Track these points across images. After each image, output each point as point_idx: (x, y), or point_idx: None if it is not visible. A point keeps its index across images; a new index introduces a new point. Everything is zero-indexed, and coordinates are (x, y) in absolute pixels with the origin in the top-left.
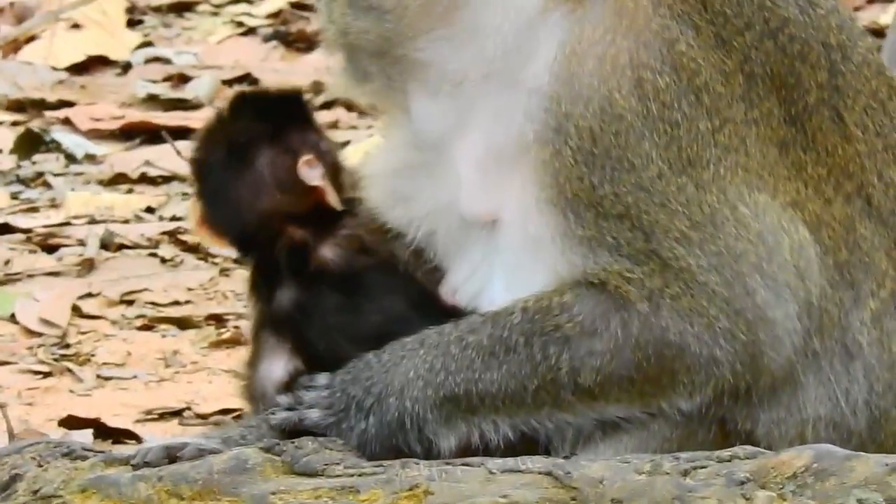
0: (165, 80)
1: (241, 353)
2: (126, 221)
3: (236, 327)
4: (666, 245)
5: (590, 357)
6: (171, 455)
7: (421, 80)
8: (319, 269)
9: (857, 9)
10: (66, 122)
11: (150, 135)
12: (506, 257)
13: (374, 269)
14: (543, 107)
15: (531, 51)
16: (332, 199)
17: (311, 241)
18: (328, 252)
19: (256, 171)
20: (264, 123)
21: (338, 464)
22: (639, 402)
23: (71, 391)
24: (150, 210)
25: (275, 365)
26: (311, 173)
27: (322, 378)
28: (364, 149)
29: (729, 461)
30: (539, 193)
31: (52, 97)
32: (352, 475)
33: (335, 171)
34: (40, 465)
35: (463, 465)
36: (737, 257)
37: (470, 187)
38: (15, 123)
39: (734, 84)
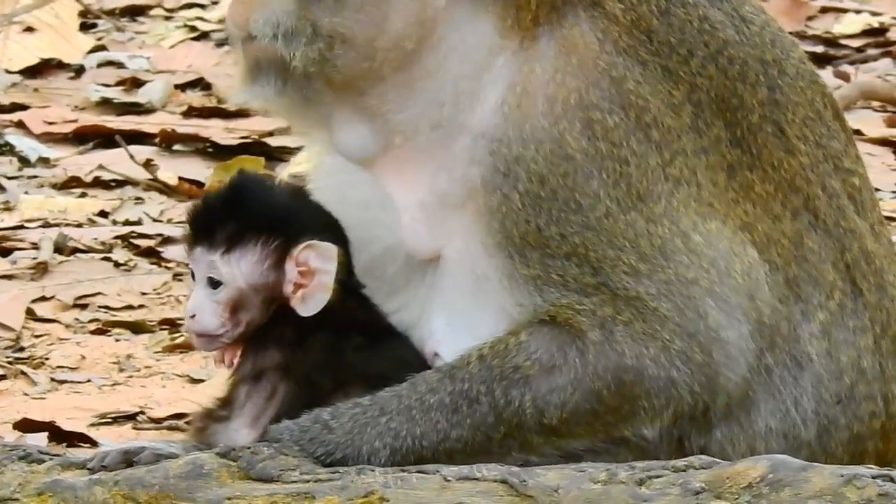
0: (118, 84)
1: (195, 358)
2: (80, 225)
3: None
4: (615, 278)
5: (552, 394)
6: (128, 459)
7: (365, 117)
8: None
9: (810, 18)
10: (20, 125)
11: (104, 139)
12: (449, 296)
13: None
14: (491, 150)
15: (478, 94)
16: None
17: None
18: None
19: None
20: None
21: (293, 470)
22: (603, 433)
23: (25, 394)
24: (103, 214)
25: (246, 426)
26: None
27: (283, 431)
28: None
29: (684, 471)
30: (485, 237)
31: (4, 100)
32: (307, 481)
33: None
34: None
35: (418, 472)
36: (687, 284)
37: (412, 227)
38: None
39: (683, 115)
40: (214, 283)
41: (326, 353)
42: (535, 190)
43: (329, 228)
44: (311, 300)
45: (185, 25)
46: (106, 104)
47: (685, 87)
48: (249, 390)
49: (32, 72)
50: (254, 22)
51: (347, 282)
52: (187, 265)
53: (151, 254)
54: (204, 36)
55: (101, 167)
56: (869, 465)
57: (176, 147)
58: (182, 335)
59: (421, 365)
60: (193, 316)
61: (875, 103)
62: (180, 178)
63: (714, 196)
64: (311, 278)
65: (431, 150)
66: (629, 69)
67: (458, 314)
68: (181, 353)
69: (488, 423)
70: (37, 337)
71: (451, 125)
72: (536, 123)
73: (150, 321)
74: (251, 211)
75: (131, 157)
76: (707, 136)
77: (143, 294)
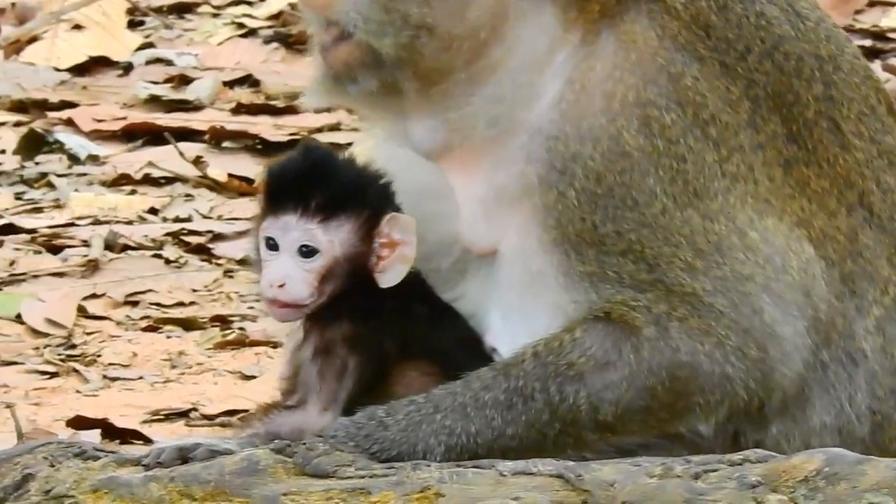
0: (167, 81)
1: (246, 355)
2: (129, 222)
3: (241, 329)
4: (670, 274)
5: (606, 390)
6: (183, 456)
7: (434, 111)
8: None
9: (857, 12)
10: (69, 123)
11: (153, 136)
12: (504, 291)
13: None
14: (547, 147)
15: (537, 90)
16: None
17: None
18: None
19: None
20: None
21: (349, 465)
22: (657, 430)
23: (77, 392)
24: (153, 211)
25: (322, 406)
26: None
27: (339, 428)
28: (362, 153)
29: (740, 464)
30: (540, 233)
31: (54, 98)
32: (363, 477)
33: None
34: (52, 465)
35: (474, 467)
36: (743, 280)
37: (471, 221)
38: (18, 124)
39: (740, 111)
40: (308, 252)
41: (398, 322)
42: (591, 187)
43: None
44: (391, 271)
45: (233, 22)
46: (154, 101)
47: (742, 83)
48: (321, 368)
49: (81, 70)
50: (339, 11)
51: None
52: (238, 262)
53: (202, 251)
54: (252, 33)
55: (150, 164)
56: None
57: (225, 144)
58: (233, 332)
59: (479, 343)
60: (282, 285)
61: None
62: (230, 175)
63: (770, 192)
64: (393, 250)
65: (489, 146)
66: (687, 65)
67: (513, 310)
68: (233, 349)
69: (543, 420)
70: (88, 334)
71: (509, 121)
72: (594, 121)
73: (202, 318)
74: (345, 181)
75: (181, 154)
76: (764, 132)
77: (194, 291)
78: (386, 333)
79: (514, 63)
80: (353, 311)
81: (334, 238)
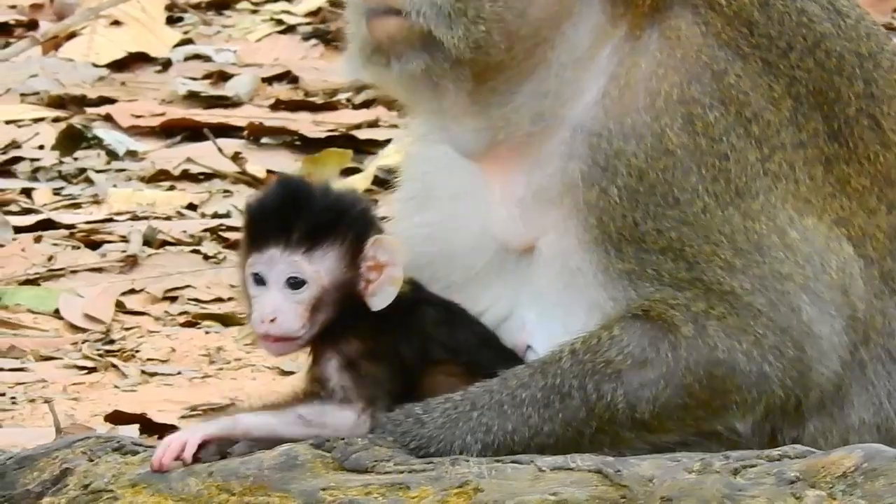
0: (205, 77)
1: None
2: (168, 218)
3: None
4: (709, 272)
5: (643, 388)
6: (222, 450)
7: (478, 108)
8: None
9: None
10: (108, 118)
11: (191, 132)
12: (542, 288)
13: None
14: (590, 144)
15: (581, 85)
16: None
17: None
18: None
19: None
20: None
21: (388, 460)
22: (694, 427)
23: (116, 387)
24: (192, 207)
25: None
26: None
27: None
28: (401, 149)
29: (779, 460)
30: (580, 231)
31: (92, 94)
32: (402, 472)
33: None
34: (91, 460)
35: (513, 462)
36: (782, 279)
37: (509, 218)
38: (56, 120)
39: (783, 109)
40: (296, 284)
41: (407, 331)
42: (633, 185)
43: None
44: (381, 293)
45: (272, 19)
46: (193, 97)
47: (784, 80)
48: (354, 378)
49: (119, 66)
50: None
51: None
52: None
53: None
54: (290, 29)
55: (189, 160)
56: None
57: (264, 140)
58: None
59: (497, 340)
60: (273, 320)
61: None
62: (268, 171)
63: (811, 191)
64: (380, 273)
65: (531, 142)
66: (730, 63)
67: (550, 307)
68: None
69: (580, 417)
70: (127, 330)
71: (552, 117)
72: (638, 118)
73: (240, 313)
74: (324, 209)
75: (219, 150)
76: (805, 130)
77: (233, 286)
78: (400, 342)
79: (560, 58)
80: (358, 332)
81: (320, 267)
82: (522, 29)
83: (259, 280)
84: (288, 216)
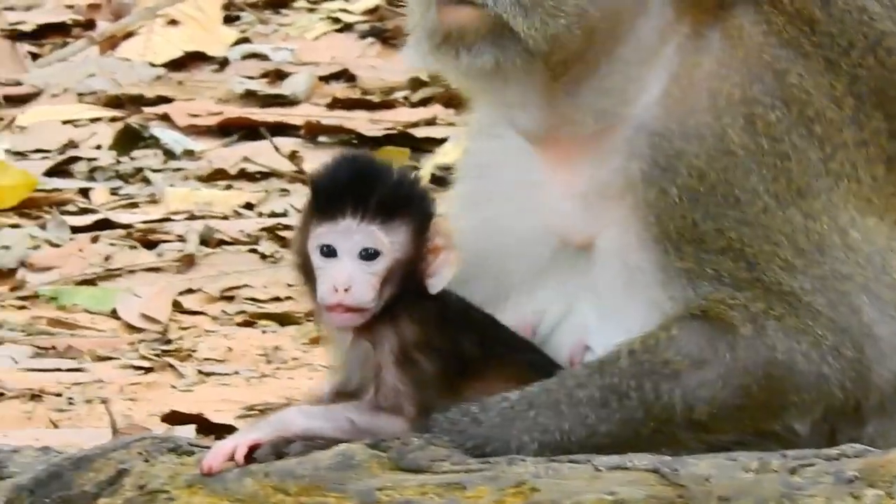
0: (262, 76)
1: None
2: (225, 217)
3: None
4: (769, 273)
5: (701, 388)
6: (278, 450)
7: (545, 100)
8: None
9: None
10: (165, 118)
11: (248, 131)
12: (600, 286)
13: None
14: (651, 143)
15: (644, 83)
16: None
17: None
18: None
19: None
20: None
21: (444, 460)
22: (751, 428)
23: (172, 387)
24: (248, 206)
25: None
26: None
27: (432, 425)
28: (459, 146)
29: (837, 459)
30: (640, 229)
31: (149, 93)
32: (458, 472)
33: None
34: (147, 461)
35: (569, 462)
36: (842, 279)
37: (569, 213)
38: (113, 120)
39: (845, 107)
40: (370, 255)
41: (465, 321)
42: (694, 185)
43: None
44: (439, 276)
45: (329, 17)
46: (250, 96)
47: (846, 78)
48: (401, 376)
49: (176, 65)
50: None
51: None
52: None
53: None
54: (347, 28)
55: (246, 159)
56: None
57: (321, 139)
58: None
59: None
60: (347, 289)
61: None
62: None
63: (873, 190)
64: (437, 255)
65: (594, 139)
66: (792, 62)
67: (609, 306)
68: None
69: (637, 418)
70: (184, 329)
71: (615, 115)
72: (699, 118)
73: (297, 313)
74: (396, 183)
75: (276, 149)
76: (867, 129)
77: (290, 286)
78: (460, 331)
79: (626, 55)
80: (416, 315)
81: (395, 239)
82: (602, 23)
83: (329, 252)
84: (363, 187)
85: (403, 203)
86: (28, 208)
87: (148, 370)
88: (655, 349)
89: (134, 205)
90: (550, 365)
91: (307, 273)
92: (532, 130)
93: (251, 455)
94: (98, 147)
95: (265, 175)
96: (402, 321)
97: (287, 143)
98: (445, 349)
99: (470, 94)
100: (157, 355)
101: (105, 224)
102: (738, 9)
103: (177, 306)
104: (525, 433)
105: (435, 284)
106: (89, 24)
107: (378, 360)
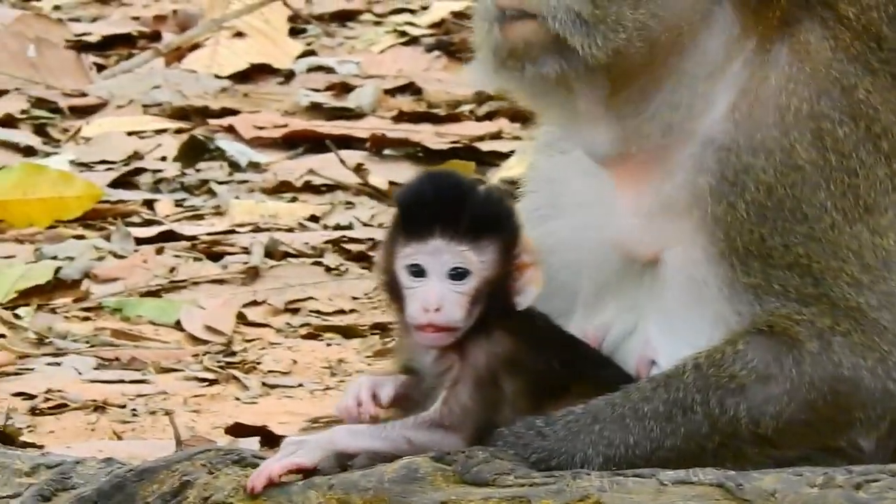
0: (328, 88)
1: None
2: (290, 230)
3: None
4: (836, 289)
5: (766, 404)
6: (342, 463)
7: (612, 116)
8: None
9: None
10: (230, 130)
11: (314, 143)
12: (666, 301)
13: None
14: (719, 158)
15: (712, 98)
16: None
17: None
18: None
19: None
20: None
21: (508, 474)
22: (817, 444)
23: (237, 399)
24: (314, 218)
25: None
26: None
27: (497, 438)
28: (524, 160)
29: None
30: (707, 244)
31: (215, 105)
32: (522, 485)
33: None
34: (211, 472)
35: (634, 476)
36: None
37: (635, 228)
38: (179, 131)
39: None
40: (459, 275)
41: (555, 339)
42: (761, 200)
43: None
44: (525, 293)
45: (395, 30)
46: (316, 109)
47: None
48: (474, 396)
49: (242, 77)
50: (538, 3)
51: None
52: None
53: (362, 258)
54: (414, 41)
55: (311, 172)
56: None
57: (386, 152)
58: (393, 339)
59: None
60: (437, 309)
61: None
62: (391, 183)
63: None
64: (524, 272)
65: (661, 153)
66: (860, 78)
67: (674, 321)
68: (392, 357)
69: (702, 432)
70: (248, 342)
71: (682, 130)
72: (767, 133)
73: (362, 325)
74: (485, 202)
75: (342, 161)
76: None
77: (354, 298)
78: (547, 350)
79: (693, 70)
80: (508, 332)
81: (484, 259)
82: (663, 36)
83: (417, 271)
84: (451, 207)
85: (491, 222)
86: (93, 220)
87: (212, 382)
88: (721, 363)
89: (199, 216)
90: (628, 380)
91: (394, 291)
92: (597, 146)
93: (313, 470)
94: (163, 158)
95: (330, 188)
96: (493, 338)
97: (352, 156)
98: (532, 367)
99: (536, 111)
100: (221, 367)
101: (170, 236)
102: (805, 24)
103: (241, 318)
104: (590, 446)
105: (522, 301)
106: (155, 36)
107: (458, 374)
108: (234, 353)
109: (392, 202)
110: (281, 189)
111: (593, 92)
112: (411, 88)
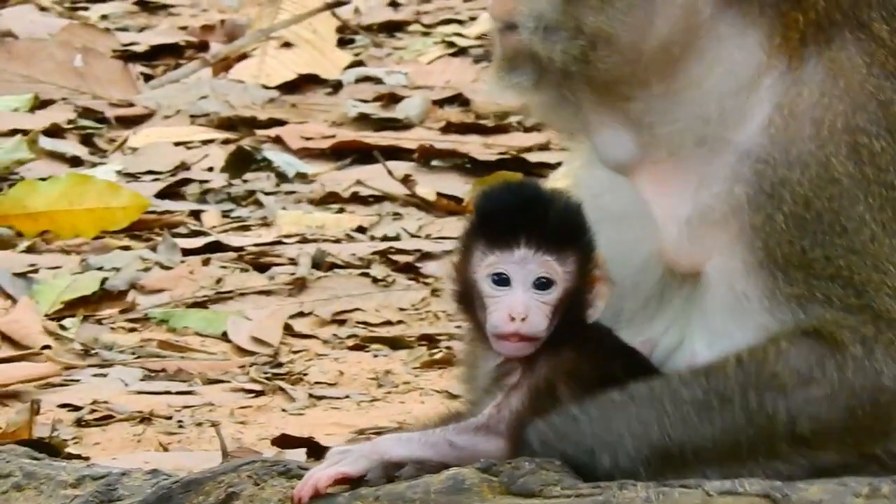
0: (376, 99)
1: (453, 373)
2: (337, 241)
3: (448, 348)
4: (878, 300)
5: (806, 405)
6: (389, 473)
7: (629, 124)
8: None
9: None
10: (277, 140)
11: (361, 154)
12: (708, 313)
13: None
14: (755, 170)
15: (745, 113)
16: None
17: None
18: None
19: None
20: None
21: (555, 484)
22: (853, 449)
23: (283, 410)
24: (361, 230)
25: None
26: None
27: (531, 433)
28: (569, 173)
29: None
30: (746, 255)
31: (262, 116)
32: (569, 496)
33: None
34: (257, 484)
35: (681, 486)
36: None
37: (674, 239)
38: (226, 142)
39: None
40: (544, 285)
41: (619, 353)
42: (799, 212)
43: None
44: (595, 307)
45: (443, 41)
46: (363, 120)
47: None
48: (526, 401)
49: (290, 87)
50: (518, 13)
51: None
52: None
53: (409, 269)
54: (462, 52)
55: (358, 182)
56: None
57: (434, 163)
58: (441, 350)
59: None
60: (524, 318)
61: None
62: (438, 194)
63: None
64: (594, 286)
65: (695, 164)
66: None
67: (717, 332)
68: (440, 368)
69: (739, 425)
70: (295, 353)
71: (716, 141)
72: (803, 147)
73: (409, 337)
74: (568, 212)
75: (389, 172)
76: None
77: (402, 310)
78: (613, 361)
79: (717, 84)
80: (582, 345)
81: (568, 269)
82: (644, 46)
83: (501, 280)
84: (537, 216)
85: (574, 232)
86: (139, 230)
87: (258, 393)
88: (764, 361)
89: (246, 227)
90: None
91: (469, 301)
92: (611, 153)
93: (360, 479)
94: (210, 169)
95: (378, 199)
96: (560, 350)
97: (400, 167)
98: (597, 379)
99: (545, 122)
100: (267, 378)
101: (216, 246)
102: (837, 42)
103: (288, 329)
104: (625, 428)
105: (592, 315)
106: (202, 46)
107: (519, 381)
108: (280, 365)
109: (441, 213)
110: (328, 200)
111: (580, 98)
112: (459, 99)
